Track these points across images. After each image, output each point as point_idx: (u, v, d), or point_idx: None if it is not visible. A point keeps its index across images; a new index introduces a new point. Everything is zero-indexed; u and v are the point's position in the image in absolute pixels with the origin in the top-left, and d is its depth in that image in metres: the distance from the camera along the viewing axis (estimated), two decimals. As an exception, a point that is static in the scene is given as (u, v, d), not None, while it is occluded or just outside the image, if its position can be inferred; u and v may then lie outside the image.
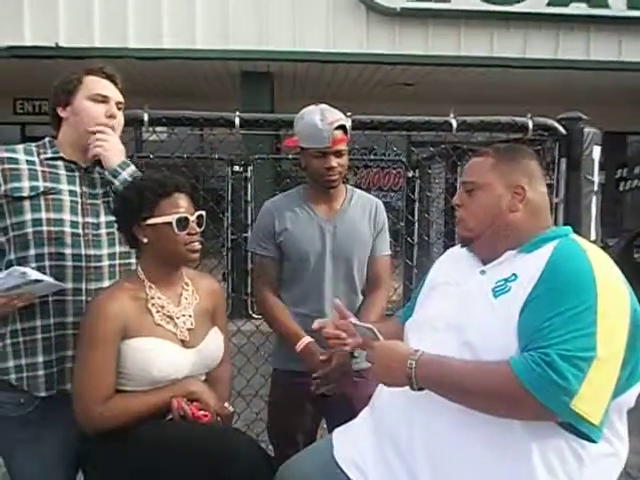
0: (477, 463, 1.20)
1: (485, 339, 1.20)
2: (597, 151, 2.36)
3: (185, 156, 4.96)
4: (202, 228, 1.57)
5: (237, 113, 2.22)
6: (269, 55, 6.96)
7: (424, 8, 6.91)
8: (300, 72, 7.89)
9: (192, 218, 1.52)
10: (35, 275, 1.44)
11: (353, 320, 1.46)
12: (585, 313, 1.12)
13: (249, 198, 6.15)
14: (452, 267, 1.45)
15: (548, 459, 1.17)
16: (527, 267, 1.23)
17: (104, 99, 1.65)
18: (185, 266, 1.62)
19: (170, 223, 1.48)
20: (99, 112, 1.64)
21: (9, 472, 1.64)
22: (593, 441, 1.13)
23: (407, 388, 1.29)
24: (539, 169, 1.39)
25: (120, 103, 1.70)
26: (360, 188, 2.15)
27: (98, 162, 1.70)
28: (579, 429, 1.11)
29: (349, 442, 1.42)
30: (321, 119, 1.84)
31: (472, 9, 6.92)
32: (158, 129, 2.29)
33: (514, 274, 1.25)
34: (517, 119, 2.35)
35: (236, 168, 5.92)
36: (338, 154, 1.89)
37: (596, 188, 2.37)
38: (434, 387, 1.21)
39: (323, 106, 1.91)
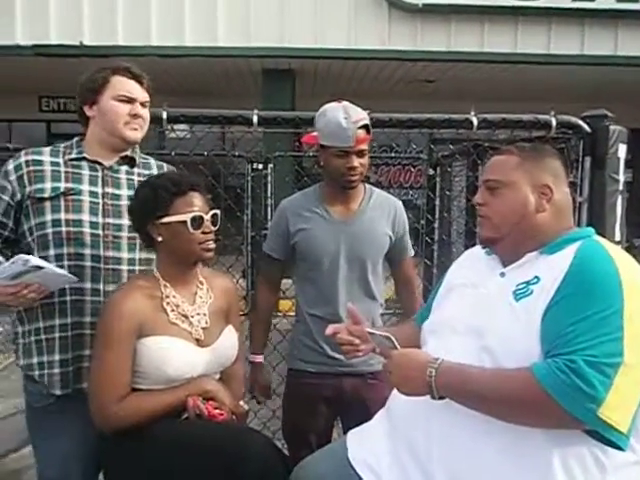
0: (495, 470, 1.17)
1: (506, 343, 1.17)
2: (623, 149, 2.30)
3: (205, 154, 4.97)
4: (217, 227, 1.56)
5: (255, 111, 2.22)
6: (291, 52, 6.96)
7: (446, 4, 6.84)
8: (321, 69, 7.87)
9: (207, 217, 1.52)
10: (36, 262, 1.44)
11: (369, 329, 1.42)
12: (611, 317, 1.08)
13: (269, 195, 6.15)
14: (471, 269, 1.42)
15: (569, 467, 1.14)
16: (550, 269, 1.20)
17: (130, 99, 1.66)
18: (200, 264, 1.61)
19: (184, 222, 1.48)
20: (123, 111, 1.65)
21: (36, 460, 1.71)
22: (620, 449, 1.10)
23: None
24: (563, 168, 1.35)
25: (145, 102, 1.71)
26: (381, 185, 2.13)
27: (127, 162, 1.72)
28: (606, 437, 1.08)
29: (364, 444, 1.41)
30: (345, 117, 1.80)
31: (495, 4, 6.83)
32: (179, 127, 2.30)
33: (536, 277, 1.22)
34: (540, 117, 2.31)
35: (256, 166, 5.92)
36: (360, 154, 1.85)
37: (621, 187, 2.32)
38: (454, 395, 1.18)
39: (346, 103, 1.86)
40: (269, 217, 6.10)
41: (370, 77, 8.30)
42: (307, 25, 6.91)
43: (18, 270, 1.44)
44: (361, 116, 1.84)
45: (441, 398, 1.19)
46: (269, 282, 2.07)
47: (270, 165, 6.10)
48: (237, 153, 5.74)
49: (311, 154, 6.89)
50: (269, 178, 6.17)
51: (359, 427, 1.50)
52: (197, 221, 1.49)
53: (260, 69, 7.64)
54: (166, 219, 1.49)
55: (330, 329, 1.53)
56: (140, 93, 1.69)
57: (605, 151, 2.26)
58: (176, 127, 2.35)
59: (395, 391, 1.43)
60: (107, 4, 6.74)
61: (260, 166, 6.05)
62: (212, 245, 1.53)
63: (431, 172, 5.62)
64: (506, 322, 1.20)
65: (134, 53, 6.35)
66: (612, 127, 2.27)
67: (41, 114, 10.10)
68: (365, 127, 1.84)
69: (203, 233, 1.51)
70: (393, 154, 6.98)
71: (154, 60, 6.56)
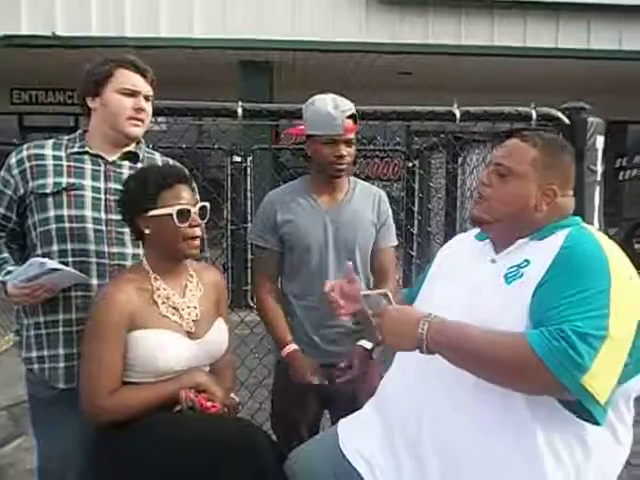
0: (484, 450, 1.21)
1: (498, 326, 1.19)
2: (600, 141, 2.35)
3: (184, 146, 4.93)
4: (205, 219, 1.56)
5: (240, 103, 2.21)
6: (268, 44, 6.92)
7: (424, -4, 6.87)
8: (299, 61, 7.84)
9: (194, 209, 1.51)
10: (52, 264, 1.47)
11: (363, 292, 1.41)
12: (599, 295, 1.12)
13: (249, 188, 6.13)
14: (461, 254, 1.44)
15: (555, 447, 1.18)
16: (540, 253, 1.23)
17: (133, 92, 1.64)
18: (185, 258, 1.60)
19: (171, 215, 1.47)
20: (127, 105, 1.64)
21: (37, 452, 1.71)
22: (597, 423, 1.13)
23: (414, 378, 1.30)
24: (574, 171, 1.36)
25: (149, 96, 1.69)
26: (359, 179, 2.14)
27: (129, 157, 1.70)
28: (586, 408, 1.11)
29: (355, 433, 1.43)
30: (334, 106, 1.83)
31: (472, -3, 6.89)
32: (159, 119, 2.27)
33: (526, 260, 1.25)
34: (520, 109, 2.35)
35: (236, 158, 5.89)
36: (348, 143, 1.88)
37: (599, 178, 2.37)
38: (445, 351, 1.19)
39: (333, 95, 1.90)
40: (249, 209, 6.09)
41: (348, 69, 8.30)
42: (284, 17, 6.88)
43: (35, 273, 1.47)
44: (349, 106, 1.87)
45: (430, 353, 1.20)
46: (266, 274, 2.00)
47: (250, 158, 6.08)
48: (217, 146, 5.71)
49: (291, 147, 6.87)
50: (249, 171, 6.15)
51: (350, 416, 1.51)
52: (184, 214, 1.48)
53: (237, 61, 7.58)
54: (153, 212, 1.48)
55: (328, 285, 1.54)
56: (144, 86, 1.67)
57: (584, 143, 2.31)
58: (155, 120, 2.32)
59: (385, 378, 1.46)
60: (81, -6, 6.61)
61: (239, 159, 6.03)
62: (197, 242, 1.51)
63: (411, 164, 5.66)
64: (498, 305, 1.22)
65: (108, 44, 6.25)
66: (590, 119, 2.32)
67: (13, 107, 9.86)
68: (352, 117, 1.87)
69: (190, 226, 1.50)
70: (372, 146, 7.02)
71: (129, 52, 6.46)
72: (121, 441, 1.43)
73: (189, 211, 1.50)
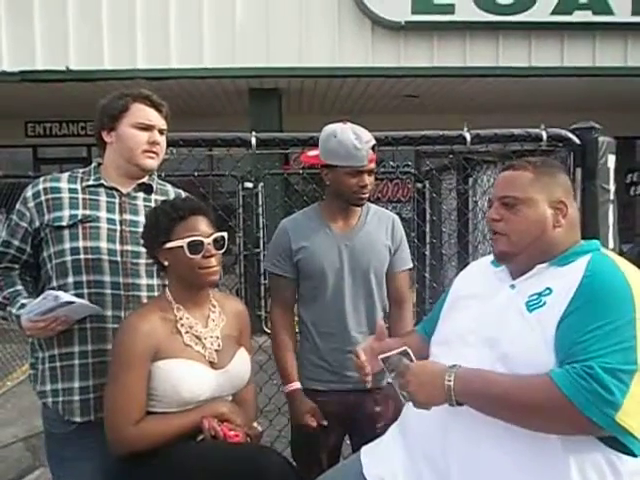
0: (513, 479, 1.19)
1: (521, 354, 1.19)
2: (612, 160, 2.36)
3: (196, 174, 4.99)
4: (223, 249, 1.57)
5: (253, 133, 2.25)
6: (276, 72, 7.03)
7: (428, 21, 6.96)
8: (307, 87, 7.95)
9: (207, 240, 1.51)
10: (67, 297, 1.48)
11: (382, 355, 1.38)
12: (625, 327, 1.12)
13: (260, 213, 6.18)
14: (478, 280, 1.44)
15: (586, 474, 1.16)
16: (561, 281, 1.23)
17: (148, 127, 1.67)
18: (204, 287, 1.61)
19: (182, 247, 1.49)
20: (142, 139, 1.66)
21: None
22: (634, 455, 1.12)
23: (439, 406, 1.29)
24: (570, 184, 1.39)
25: (163, 130, 1.73)
26: (369, 201, 2.15)
27: (143, 189, 1.73)
28: (623, 443, 1.10)
29: (379, 460, 1.42)
30: (356, 138, 1.86)
31: (477, 20, 6.96)
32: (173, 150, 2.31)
33: (548, 288, 1.24)
34: (531, 130, 2.37)
35: (247, 184, 5.95)
36: (370, 172, 1.92)
37: (612, 197, 2.37)
38: (473, 401, 1.19)
39: (351, 124, 1.92)
40: (261, 235, 6.13)
41: (356, 94, 8.40)
42: (292, 44, 7.00)
43: (49, 306, 1.48)
44: (369, 136, 1.91)
45: (459, 404, 1.20)
46: (283, 302, 2.02)
47: (261, 184, 6.13)
48: (227, 172, 5.77)
49: (300, 172, 6.93)
50: (260, 196, 6.20)
51: (372, 442, 1.51)
52: (194, 246, 1.50)
53: (246, 89, 7.70)
54: (168, 244, 1.51)
55: (362, 355, 1.49)
56: (159, 121, 1.71)
57: (595, 162, 2.32)
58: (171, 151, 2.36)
59: (408, 405, 1.45)
60: (93, 28, 6.77)
61: (250, 185, 6.09)
62: (214, 270, 1.53)
63: (420, 185, 5.68)
64: (520, 333, 1.22)
65: (120, 77, 6.39)
66: (601, 138, 2.33)
67: (27, 139, 10.06)
68: (373, 147, 1.90)
69: (204, 257, 1.51)
70: (382, 169, 7.06)
71: (141, 83, 6.59)
72: (143, 472, 1.43)
73: (202, 242, 1.51)
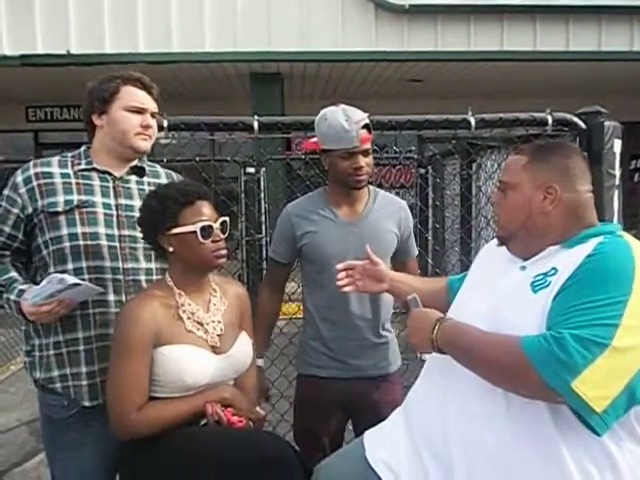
0: (512, 465, 1.19)
1: (522, 333, 1.17)
2: (618, 144, 2.33)
3: (198, 159, 4.96)
4: (226, 234, 1.56)
5: (256, 117, 2.23)
6: (278, 56, 6.97)
7: (432, 4, 6.89)
8: (309, 72, 7.89)
9: (216, 225, 1.52)
10: (73, 279, 1.47)
11: (409, 297, 1.47)
12: (614, 306, 1.09)
13: (263, 198, 6.16)
14: (491, 262, 1.43)
15: (584, 466, 1.15)
16: (567, 261, 1.21)
17: (140, 110, 1.65)
18: (211, 271, 1.62)
19: (194, 232, 1.48)
20: (135, 122, 1.64)
21: (51, 474, 1.69)
22: (596, 433, 1.10)
23: (440, 391, 1.31)
24: (580, 166, 1.33)
25: (155, 112, 1.70)
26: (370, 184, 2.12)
27: (135, 172, 1.71)
28: (581, 415, 1.08)
29: (381, 444, 1.42)
30: (346, 119, 1.81)
31: (481, 3, 6.89)
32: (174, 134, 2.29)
33: (554, 268, 1.23)
34: (536, 115, 2.34)
35: (249, 170, 5.92)
36: (365, 153, 1.87)
37: (618, 182, 2.35)
38: (451, 351, 1.25)
39: (344, 106, 1.88)
40: (263, 220, 6.12)
41: (359, 78, 8.33)
42: (294, 28, 6.93)
43: (55, 289, 1.46)
44: (361, 116, 1.85)
45: (442, 352, 1.26)
46: (272, 284, 2.07)
47: (262, 169, 6.11)
48: (229, 158, 5.74)
49: (302, 157, 6.91)
50: (262, 182, 6.18)
51: (375, 427, 1.51)
52: (206, 230, 1.49)
53: (248, 73, 7.64)
54: (176, 230, 1.49)
55: (341, 265, 1.66)
56: (150, 104, 1.68)
57: (601, 147, 2.29)
58: (173, 135, 2.35)
59: (412, 391, 1.45)
60: (93, 12, 6.71)
61: (252, 170, 6.06)
62: (223, 252, 1.53)
63: (423, 171, 5.65)
64: (523, 313, 1.21)
65: (121, 60, 6.33)
66: (607, 123, 2.30)
67: (28, 124, 10.02)
68: (366, 127, 1.86)
69: (213, 242, 1.51)
70: (385, 154, 7.03)
71: (142, 67, 6.54)
72: (146, 457, 1.44)
73: (211, 227, 1.51)
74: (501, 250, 1.41)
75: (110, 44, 6.76)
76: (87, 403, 1.61)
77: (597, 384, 1.06)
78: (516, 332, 1.17)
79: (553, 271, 1.22)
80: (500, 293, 1.30)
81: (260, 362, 2.01)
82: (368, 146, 1.88)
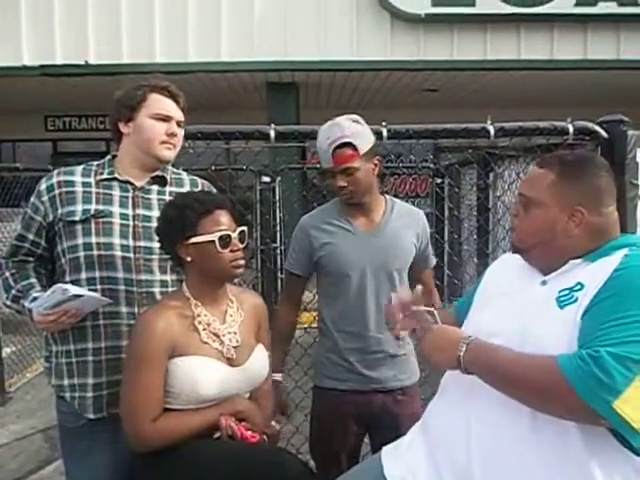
0: None
1: (550, 349, 1.14)
2: (640, 154, 2.29)
3: (214, 168, 4.98)
4: (245, 243, 1.55)
5: (272, 126, 2.22)
6: (294, 65, 7.00)
7: (448, 13, 6.88)
8: (325, 81, 7.92)
9: (234, 235, 1.50)
10: (75, 290, 1.46)
11: (414, 307, 1.42)
12: None
13: (278, 207, 6.16)
14: (508, 276, 1.39)
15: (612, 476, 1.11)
16: (593, 276, 1.17)
17: (166, 118, 1.65)
18: (229, 281, 1.60)
19: (213, 241, 1.47)
20: (161, 130, 1.64)
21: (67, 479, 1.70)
22: (637, 453, 1.07)
23: (460, 407, 1.27)
24: (609, 186, 1.27)
25: (181, 122, 1.70)
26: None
27: (157, 182, 1.71)
28: (623, 436, 1.05)
29: (400, 460, 1.39)
30: (327, 138, 1.80)
31: (497, 12, 6.86)
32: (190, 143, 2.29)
33: (579, 283, 1.19)
34: (557, 123, 2.31)
35: (265, 179, 5.92)
36: (345, 172, 1.82)
37: (640, 192, 2.30)
38: (480, 372, 1.20)
39: (337, 120, 1.84)
40: (279, 229, 6.11)
41: (374, 88, 8.34)
42: (310, 38, 6.96)
43: (58, 299, 1.46)
44: (339, 134, 1.79)
45: (469, 373, 1.22)
46: (290, 299, 2.05)
47: (278, 178, 6.11)
48: (245, 166, 5.75)
49: (318, 166, 6.88)
50: (277, 191, 6.18)
51: (393, 443, 1.47)
52: (225, 240, 1.48)
53: (264, 82, 7.69)
54: (194, 239, 1.47)
55: (395, 298, 1.49)
56: (177, 112, 1.68)
57: (623, 157, 2.25)
58: (190, 145, 2.35)
59: (431, 406, 1.42)
60: (111, 23, 6.81)
61: (268, 179, 6.06)
62: (242, 262, 1.52)
63: (439, 181, 5.61)
64: (551, 330, 1.17)
65: (139, 71, 6.39)
66: (630, 132, 2.26)
67: (47, 133, 10.17)
68: (348, 145, 1.80)
69: (231, 251, 1.49)
70: (400, 164, 6.99)
71: (159, 76, 6.59)
72: (157, 469, 1.42)
73: (230, 236, 1.49)
74: (515, 264, 1.38)
75: (128, 54, 6.84)
76: (92, 415, 1.60)
77: (637, 403, 1.03)
78: (543, 349, 1.14)
79: (579, 286, 1.19)
80: (523, 310, 1.26)
81: (279, 377, 1.97)
82: (348, 165, 1.81)
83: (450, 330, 1.30)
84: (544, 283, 1.28)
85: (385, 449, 1.47)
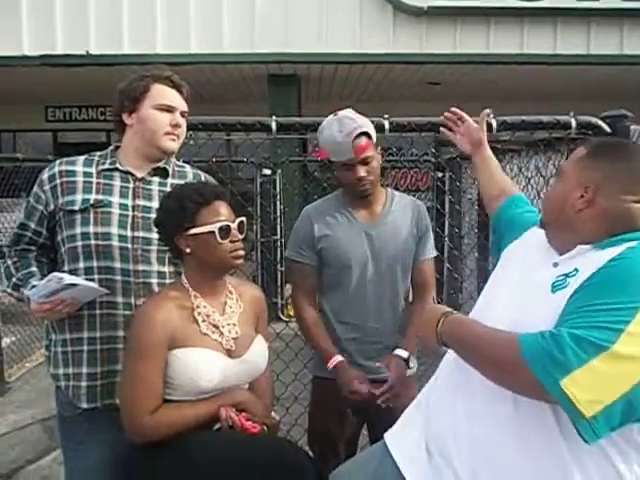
0: (517, 472, 1.16)
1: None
2: (644, 149, 2.28)
3: (215, 160, 4.97)
4: (244, 234, 1.55)
5: (274, 117, 2.21)
6: (296, 57, 6.96)
7: (451, 6, 6.84)
8: (327, 73, 7.88)
9: (233, 225, 1.50)
10: (70, 279, 1.46)
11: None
12: (623, 311, 1.03)
13: (278, 200, 6.16)
14: (531, 250, 1.38)
15: (585, 464, 1.11)
16: (591, 262, 1.15)
17: (170, 108, 1.64)
18: (228, 272, 1.60)
19: (212, 232, 1.46)
20: (164, 121, 1.63)
21: (65, 468, 1.70)
22: (585, 440, 1.03)
23: (451, 391, 1.29)
24: (635, 172, 1.22)
25: (185, 112, 1.69)
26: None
27: (159, 173, 1.70)
28: (571, 418, 1.03)
29: (404, 435, 1.39)
30: (340, 131, 1.79)
31: (500, 5, 6.82)
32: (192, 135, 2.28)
33: (576, 268, 1.17)
34: (559, 117, 2.29)
35: (265, 171, 5.91)
36: (364, 162, 1.83)
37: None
38: (454, 345, 1.25)
39: (341, 114, 1.84)
40: (279, 222, 6.11)
41: (376, 81, 8.30)
42: (312, 30, 6.92)
43: (53, 288, 1.46)
44: (354, 125, 1.80)
45: (445, 345, 1.27)
46: (307, 290, 1.96)
47: (279, 171, 6.10)
48: (246, 159, 5.74)
49: (319, 159, 6.88)
50: (278, 183, 6.17)
51: (395, 425, 1.46)
52: (225, 231, 1.47)
53: (265, 74, 7.65)
54: (193, 230, 1.47)
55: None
56: (180, 102, 1.67)
57: (626, 151, 2.23)
58: (191, 135, 2.33)
59: (426, 387, 1.42)
60: (113, 13, 6.77)
61: (268, 171, 6.05)
62: (241, 252, 1.51)
63: (440, 174, 5.60)
64: (538, 313, 1.17)
65: (140, 61, 6.36)
66: (633, 127, 2.25)
67: (47, 124, 10.14)
68: (364, 134, 1.81)
69: (231, 242, 1.49)
70: (402, 157, 6.97)
71: (160, 67, 6.56)
72: (157, 461, 1.42)
73: (229, 227, 1.49)
74: (542, 238, 1.36)
75: (129, 45, 6.80)
76: (85, 405, 1.60)
77: (589, 387, 1.00)
78: (529, 331, 1.12)
79: (574, 272, 1.17)
80: (526, 290, 1.25)
81: (339, 358, 1.85)
82: (367, 154, 1.82)
83: (438, 307, 1.34)
84: (555, 265, 1.25)
85: (389, 431, 1.45)
